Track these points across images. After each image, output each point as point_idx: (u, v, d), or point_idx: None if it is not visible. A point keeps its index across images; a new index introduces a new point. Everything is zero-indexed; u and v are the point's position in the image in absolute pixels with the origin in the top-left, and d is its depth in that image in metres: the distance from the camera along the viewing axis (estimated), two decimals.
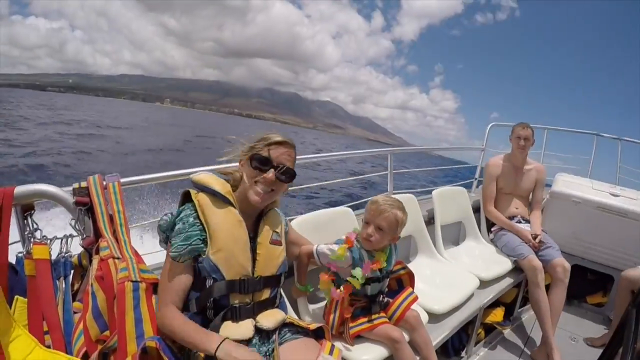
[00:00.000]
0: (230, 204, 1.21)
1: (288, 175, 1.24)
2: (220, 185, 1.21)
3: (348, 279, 1.44)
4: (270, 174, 1.20)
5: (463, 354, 2.22)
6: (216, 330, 1.14)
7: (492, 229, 2.85)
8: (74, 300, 1.27)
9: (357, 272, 1.42)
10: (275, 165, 1.21)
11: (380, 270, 1.48)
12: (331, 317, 1.45)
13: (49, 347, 1.10)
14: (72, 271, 1.29)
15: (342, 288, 1.44)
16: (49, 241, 1.25)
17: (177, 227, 1.14)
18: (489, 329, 2.48)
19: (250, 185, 1.21)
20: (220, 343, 1.06)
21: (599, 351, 1.36)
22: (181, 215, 1.16)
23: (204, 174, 1.24)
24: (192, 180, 1.22)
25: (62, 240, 1.30)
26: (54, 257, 1.24)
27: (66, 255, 1.29)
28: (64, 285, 1.25)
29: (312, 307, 1.63)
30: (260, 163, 1.20)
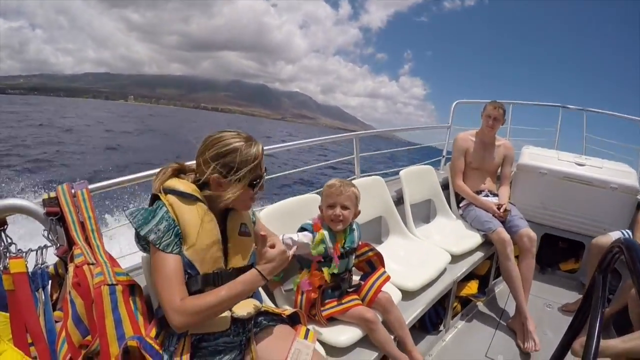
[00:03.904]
0: (198, 200, 1.24)
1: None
2: (184, 186, 1.24)
3: (323, 269, 1.51)
4: (262, 186, 1.27)
5: (441, 327, 2.28)
6: None
7: (461, 205, 2.88)
8: (54, 309, 1.29)
9: (331, 267, 1.51)
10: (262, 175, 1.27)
11: (343, 247, 1.55)
12: (299, 299, 1.50)
13: (35, 358, 1.13)
14: (50, 281, 1.32)
15: (308, 279, 1.49)
16: (24, 254, 1.28)
17: (162, 225, 1.16)
18: (465, 301, 2.53)
19: (242, 200, 1.25)
20: (258, 271, 1.17)
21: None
22: (160, 214, 1.17)
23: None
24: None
25: (37, 251, 1.33)
26: (30, 269, 1.27)
27: (42, 266, 1.32)
28: (43, 296, 1.28)
29: (288, 293, 1.65)
30: (256, 180, 1.24)
